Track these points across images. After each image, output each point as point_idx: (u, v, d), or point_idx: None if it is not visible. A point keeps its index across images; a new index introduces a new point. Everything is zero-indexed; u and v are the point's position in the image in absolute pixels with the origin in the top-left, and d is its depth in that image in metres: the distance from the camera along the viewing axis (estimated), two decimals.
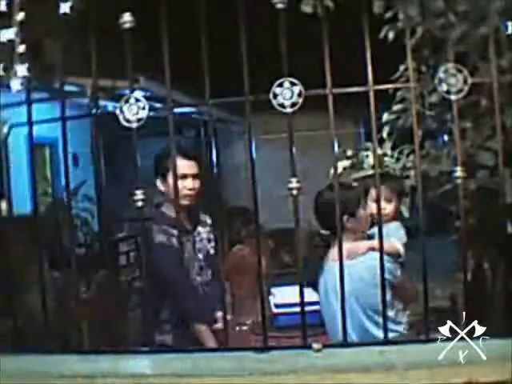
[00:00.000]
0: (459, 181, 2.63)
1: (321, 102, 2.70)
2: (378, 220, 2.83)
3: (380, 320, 3.42)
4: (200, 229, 4.45)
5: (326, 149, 2.85)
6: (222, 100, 2.86)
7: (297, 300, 2.72)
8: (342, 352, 2.65)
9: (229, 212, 9.59)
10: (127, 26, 2.70)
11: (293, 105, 2.59)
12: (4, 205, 3.08)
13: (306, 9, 4.66)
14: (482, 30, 4.01)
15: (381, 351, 2.60)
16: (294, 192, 2.65)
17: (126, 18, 2.71)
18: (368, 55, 2.64)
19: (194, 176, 4.26)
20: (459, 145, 2.73)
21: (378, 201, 2.81)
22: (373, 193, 4.22)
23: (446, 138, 4.89)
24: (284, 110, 2.60)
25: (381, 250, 2.74)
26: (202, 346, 3.94)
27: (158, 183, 4.29)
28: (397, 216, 4.55)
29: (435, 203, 4.57)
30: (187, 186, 4.22)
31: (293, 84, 2.59)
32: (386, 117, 5.19)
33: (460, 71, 2.56)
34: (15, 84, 2.89)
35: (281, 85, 2.59)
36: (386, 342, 2.74)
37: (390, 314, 3.81)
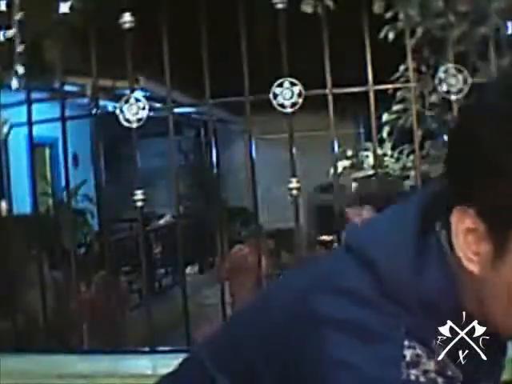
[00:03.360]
0: None
1: (321, 102, 2.70)
2: None
3: None
4: None
5: (326, 149, 2.85)
6: (222, 100, 2.86)
7: None
8: None
9: (229, 212, 9.58)
10: (127, 26, 2.70)
11: (293, 105, 2.59)
12: (4, 205, 3.08)
13: (306, 9, 4.66)
14: (482, 30, 4.01)
15: None
16: (294, 192, 2.65)
17: (126, 18, 2.70)
18: (368, 55, 2.64)
19: None
20: None
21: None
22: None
23: (446, 138, 4.89)
24: (284, 110, 2.60)
25: None
26: None
27: None
28: None
29: None
30: None
31: (293, 84, 2.59)
32: (385, 117, 5.19)
33: (460, 71, 2.56)
34: (15, 83, 2.89)
35: (281, 85, 2.59)
36: None
37: None
